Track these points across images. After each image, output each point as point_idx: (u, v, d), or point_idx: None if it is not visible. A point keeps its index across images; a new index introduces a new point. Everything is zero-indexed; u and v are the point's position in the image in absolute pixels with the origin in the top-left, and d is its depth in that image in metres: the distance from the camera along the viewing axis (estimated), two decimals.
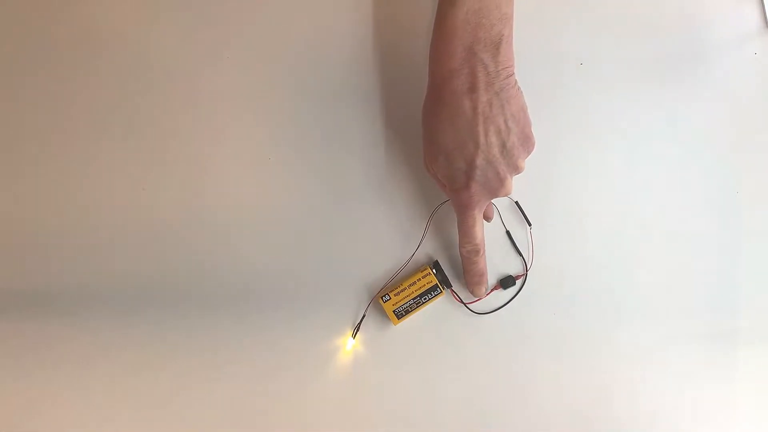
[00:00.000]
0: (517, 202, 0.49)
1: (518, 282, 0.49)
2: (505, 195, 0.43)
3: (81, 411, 0.50)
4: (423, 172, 0.49)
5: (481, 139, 0.40)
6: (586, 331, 0.50)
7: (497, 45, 0.40)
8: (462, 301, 0.49)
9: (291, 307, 0.50)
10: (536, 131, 0.49)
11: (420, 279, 0.48)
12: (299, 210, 0.49)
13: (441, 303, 0.50)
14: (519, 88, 0.42)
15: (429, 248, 0.50)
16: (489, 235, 0.49)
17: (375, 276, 0.50)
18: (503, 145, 0.41)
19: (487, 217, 0.48)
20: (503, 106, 0.40)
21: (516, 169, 0.42)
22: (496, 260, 0.49)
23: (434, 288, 0.48)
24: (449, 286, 0.49)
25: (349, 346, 0.49)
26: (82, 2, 0.49)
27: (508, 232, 0.49)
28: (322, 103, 0.49)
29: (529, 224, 0.49)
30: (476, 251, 0.46)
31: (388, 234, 0.49)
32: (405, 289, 0.49)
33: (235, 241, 0.49)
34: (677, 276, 0.50)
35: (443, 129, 0.41)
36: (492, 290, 0.49)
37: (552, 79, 0.49)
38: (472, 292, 0.48)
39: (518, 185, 0.49)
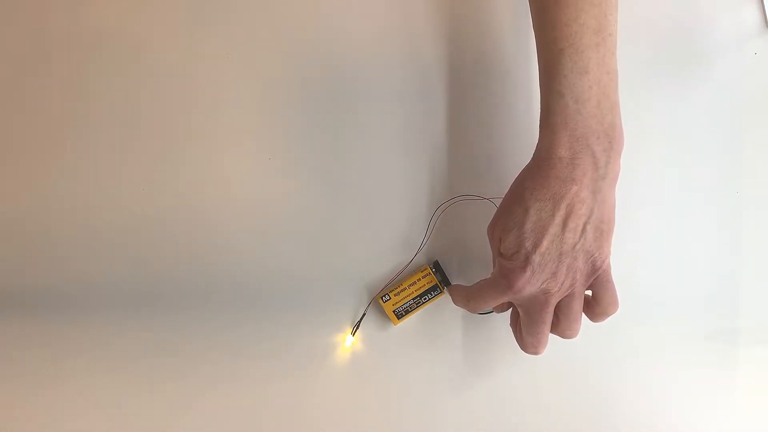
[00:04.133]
0: None
1: None
2: (549, 306, 0.41)
3: (79, 411, 0.50)
4: (424, 173, 0.49)
5: (555, 230, 0.39)
6: (585, 331, 0.50)
7: (610, 137, 0.39)
8: None
9: (290, 307, 0.50)
10: (536, 131, 0.49)
11: (420, 279, 0.49)
12: (299, 210, 0.49)
13: (441, 303, 0.50)
14: (614, 197, 0.41)
15: (429, 248, 0.50)
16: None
17: (375, 276, 0.50)
18: (573, 246, 0.40)
19: (499, 309, 0.47)
20: (592, 209, 0.39)
21: (572, 283, 0.40)
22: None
23: (434, 288, 0.48)
24: (449, 285, 0.49)
25: (348, 343, 0.49)
26: (81, 1, 0.49)
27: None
28: (323, 103, 0.49)
29: None
30: (472, 311, 0.46)
31: (388, 234, 0.49)
32: (405, 289, 0.49)
33: (235, 240, 0.49)
34: (677, 276, 0.50)
35: (527, 207, 0.40)
36: None
37: None
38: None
39: None
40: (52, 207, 0.50)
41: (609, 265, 0.41)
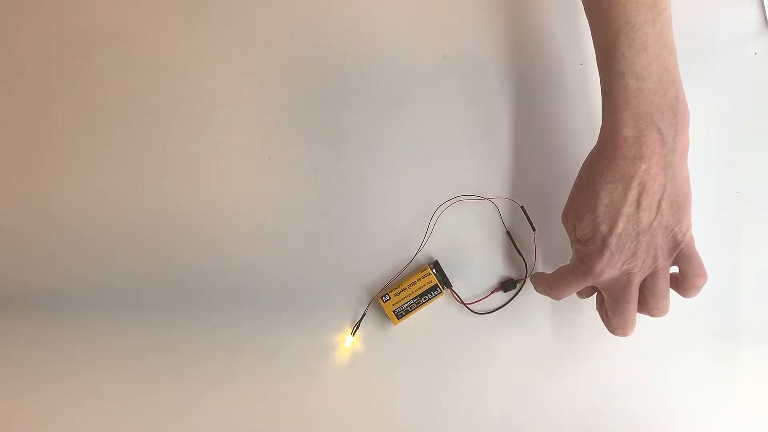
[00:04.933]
0: (522, 207, 0.49)
1: (519, 284, 0.50)
2: (632, 286, 0.41)
3: (79, 410, 0.50)
4: (424, 172, 0.49)
5: (629, 210, 0.39)
6: (586, 331, 0.50)
7: (675, 111, 0.39)
8: (462, 301, 0.49)
9: (290, 307, 0.50)
10: (536, 131, 0.49)
11: (420, 279, 0.48)
12: (299, 210, 0.49)
13: (441, 303, 0.50)
14: (687, 169, 0.40)
15: (429, 248, 0.50)
16: (492, 236, 0.49)
17: (375, 276, 0.50)
18: (650, 224, 0.39)
19: (582, 295, 0.47)
20: (665, 184, 0.39)
21: (654, 261, 0.40)
22: (498, 262, 0.49)
23: (434, 288, 0.48)
24: (449, 286, 0.49)
25: (348, 343, 0.49)
26: (81, 1, 0.49)
27: (508, 232, 0.49)
28: (323, 103, 0.49)
29: (534, 229, 0.49)
30: (555, 299, 0.46)
31: (388, 234, 0.49)
32: (405, 289, 0.49)
33: (235, 240, 0.49)
34: None
35: (598, 190, 0.40)
36: (492, 292, 0.49)
37: (552, 79, 0.49)
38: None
39: (523, 189, 0.49)
40: (52, 207, 0.50)
41: (691, 237, 0.41)
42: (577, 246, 0.42)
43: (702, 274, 0.41)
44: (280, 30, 0.49)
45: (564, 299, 0.45)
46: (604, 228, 0.39)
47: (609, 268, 0.40)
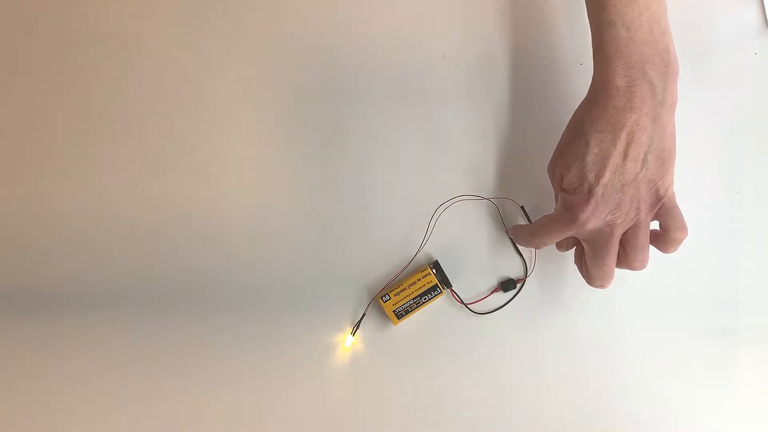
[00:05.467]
0: (522, 207, 0.49)
1: (519, 284, 0.50)
2: (614, 238, 0.41)
3: (78, 411, 0.50)
4: (424, 172, 0.49)
5: (616, 160, 0.39)
6: (586, 330, 0.50)
7: (666, 62, 0.39)
8: (462, 302, 0.49)
9: (290, 307, 0.50)
10: (536, 131, 0.49)
11: (420, 279, 0.48)
12: (299, 210, 0.49)
13: (441, 303, 0.50)
14: (674, 123, 0.40)
15: (429, 248, 0.50)
16: (492, 236, 0.49)
17: (375, 276, 0.50)
18: (635, 176, 0.39)
19: (562, 247, 0.46)
20: (653, 137, 0.39)
21: (636, 213, 0.40)
22: (498, 262, 0.49)
23: (434, 288, 0.48)
24: (449, 286, 0.49)
25: (348, 343, 0.49)
26: (80, 1, 0.49)
27: (508, 232, 0.49)
28: (323, 103, 0.49)
29: None
30: (536, 248, 0.46)
31: (388, 234, 0.49)
32: (405, 289, 0.49)
33: (235, 240, 0.49)
34: (677, 276, 0.50)
35: (588, 139, 0.40)
36: (492, 292, 0.49)
37: (552, 79, 0.49)
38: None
39: (523, 189, 0.49)
40: (52, 207, 0.50)
41: (673, 193, 0.41)
42: (563, 195, 0.42)
43: (683, 228, 0.41)
44: (280, 30, 0.49)
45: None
46: (591, 177, 0.40)
47: (594, 218, 0.40)
